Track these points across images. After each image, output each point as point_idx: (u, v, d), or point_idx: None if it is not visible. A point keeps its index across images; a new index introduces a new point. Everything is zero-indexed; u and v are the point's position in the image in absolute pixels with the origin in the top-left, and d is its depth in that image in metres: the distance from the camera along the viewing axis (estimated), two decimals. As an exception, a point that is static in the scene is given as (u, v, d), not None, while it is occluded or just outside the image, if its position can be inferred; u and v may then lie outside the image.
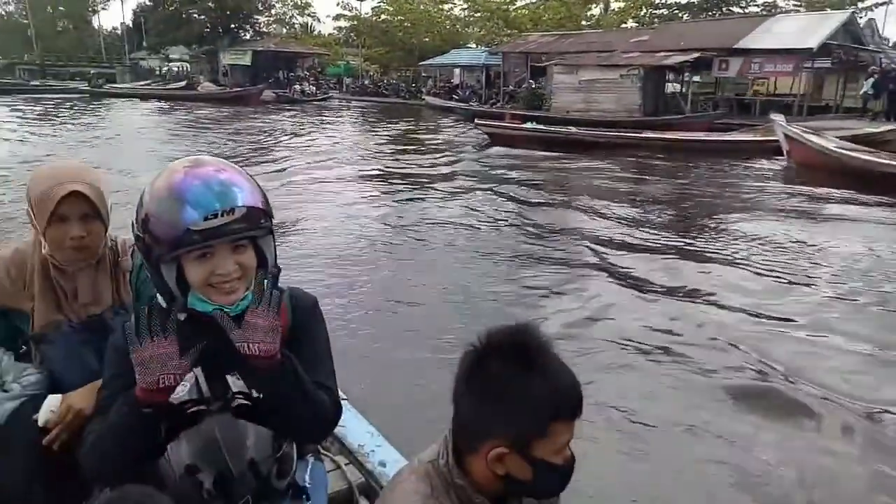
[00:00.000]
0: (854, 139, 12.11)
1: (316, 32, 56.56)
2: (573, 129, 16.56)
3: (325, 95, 37.99)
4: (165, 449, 1.26)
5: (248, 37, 51.76)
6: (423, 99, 33.65)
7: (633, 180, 11.83)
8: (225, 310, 1.19)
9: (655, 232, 8.06)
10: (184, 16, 51.05)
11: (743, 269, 6.57)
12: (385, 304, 5.51)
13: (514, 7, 37.30)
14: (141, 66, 53.21)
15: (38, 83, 43.10)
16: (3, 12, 65.09)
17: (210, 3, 50.45)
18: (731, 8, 32.64)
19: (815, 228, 8.10)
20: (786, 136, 11.75)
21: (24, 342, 1.72)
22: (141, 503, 0.79)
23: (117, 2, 63.70)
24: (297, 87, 39.75)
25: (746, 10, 31.66)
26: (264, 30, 54.93)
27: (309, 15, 58.49)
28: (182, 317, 1.22)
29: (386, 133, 21.48)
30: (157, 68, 51.73)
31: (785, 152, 11.95)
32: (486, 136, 16.82)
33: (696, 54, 21.25)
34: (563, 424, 1.04)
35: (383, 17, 43.51)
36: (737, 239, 7.68)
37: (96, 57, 56.64)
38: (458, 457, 1.10)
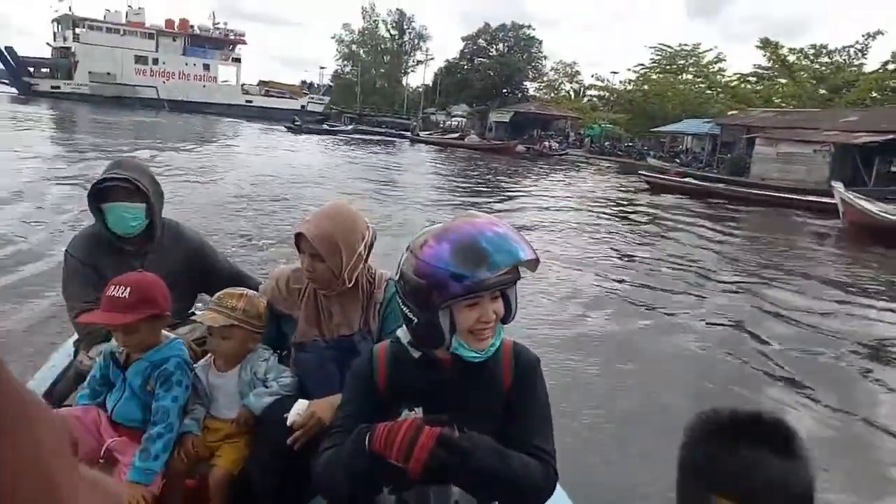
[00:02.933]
0: None
1: (586, 99, 62.96)
2: (719, 186, 20.55)
3: (564, 152, 44.57)
4: (383, 490, 1.33)
5: (517, 99, 61.38)
6: (648, 161, 38.25)
7: (747, 224, 15.85)
8: (476, 356, 1.33)
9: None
10: (468, 80, 62.67)
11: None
12: (587, 365, 5.11)
13: (743, 84, 40.16)
14: (431, 119, 66.09)
15: (358, 127, 56.41)
16: (342, 72, 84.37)
17: (490, 72, 61.39)
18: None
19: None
20: (842, 200, 14.51)
21: (286, 348, 2.03)
22: None
23: (422, 65, 78.14)
24: (546, 143, 47.14)
25: None
26: (531, 93, 64.27)
27: (577, 82, 66.57)
28: (416, 355, 1.39)
29: (601, 183, 26.80)
30: (442, 122, 63.83)
31: (841, 213, 14.71)
32: (646, 185, 21.67)
33: (890, 136, 23.11)
34: None
35: (630, 87, 49.10)
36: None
37: (399, 110, 71.65)
38: None
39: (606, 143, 49.08)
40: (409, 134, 51.61)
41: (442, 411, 1.26)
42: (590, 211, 16.21)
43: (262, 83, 69.36)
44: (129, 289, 1.75)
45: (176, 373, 1.82)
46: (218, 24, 66.10)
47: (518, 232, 1.31)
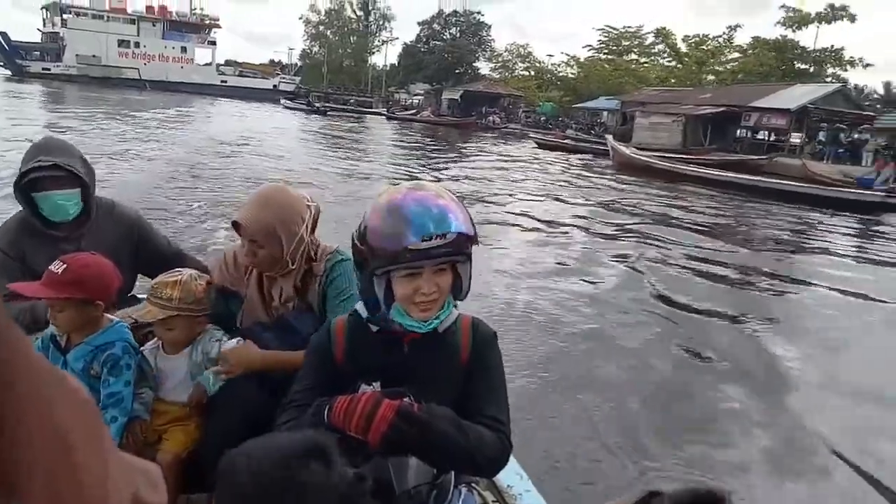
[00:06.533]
0: (734, 162, 22.33)
1: (563, 75, 67.20)
2: (580, 144, 28.23)
3: (505, 126, 51.87)
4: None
5: (469, 78, 67.95)
6: (567, 132, 45.81)
7: (591, 167, 23.42)
8: (417, 326, 1.35)
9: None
10: (424, 62, 69.05)
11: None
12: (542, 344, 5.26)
13: (644, 66, 48.11)
14: (394, 97, 72.38)
15: (326, 105, 62.79)
16: (309, 51, 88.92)
17: (445, 54, 67.79)
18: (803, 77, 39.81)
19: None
20: (612, 147, 22.86)
21: (235, 330, 1.99)
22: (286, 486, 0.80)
23: (386, 45, 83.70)
24: (491, 118, 54.39)
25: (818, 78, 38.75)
26: (486, 73, 70.77)
27: (529, 62, 72.94)
28: (375, 329, 1.40)
29: (519, 148, 34.18)
30: (404, 100, 70.13)
31: (611, 156, 23.04)
32: (535, 144, 29.23)
33: (722, 108, 30.89)
34: None
35: (560, 68, 56.61)
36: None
37: (364, 89, 77.53)
38: None
39: (542, 118, 56.44)
40: (385, 111, 58.65)
41: (401, 385, 1.29)
42: (501, 159, 24.11)
43: (229, 63, 75.00)
44: (65, 267, 1.69)
45: (124, 357, 1.77)
46: (195, 9, 71.54)
47: (461, 206, 1.33)
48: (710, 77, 44.93)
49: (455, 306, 1.43)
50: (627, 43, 56.11)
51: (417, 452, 1.27)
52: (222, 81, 69.62)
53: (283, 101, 57.75)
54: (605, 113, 50.22)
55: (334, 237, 2.07)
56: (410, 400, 1.25)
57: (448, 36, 69.16)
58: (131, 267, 2.26)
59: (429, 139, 33.70)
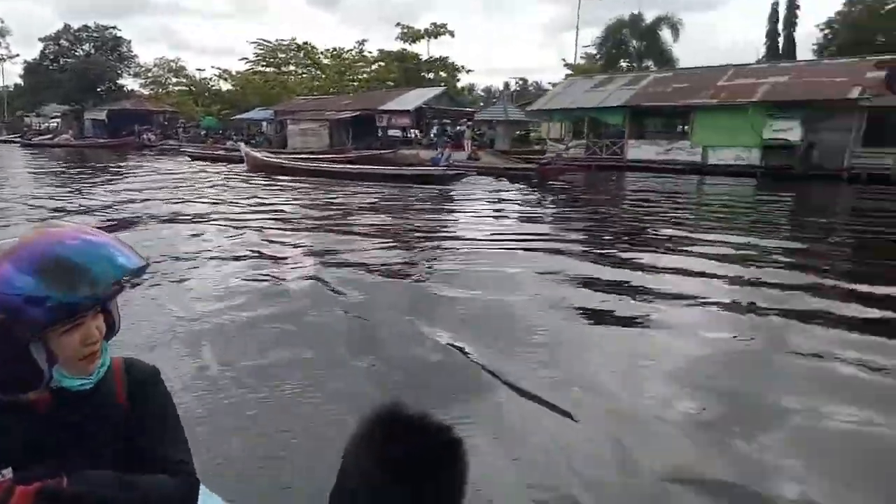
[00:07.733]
0: (368, 157, 26.11)
1: (217, 89, 64.43)
2: (233, 155, 30.13)
3: (161, 143, 50.04)
4: None
5: (116, 96, 62.78)
6: (227, 144, 46.55)
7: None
8: (86, 383, 1.17)
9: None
10: (56, 81, 61.51)
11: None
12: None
13: (297, 77, 51.91)
14: (23, 121, 63.10)
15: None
16: None
17: (82, 72, 61.41)
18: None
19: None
20: (245, 152, 25.71)
21: None
22: None
23: (5, 63, 71.97)
24: (145, 136, 51.67)
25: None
26: (138, 89, 65.92)
27: (183, 76, 69.92)
28: None
29: (171, 162, 33.86)
30: (37, 124, 61.67)
31: (245, 160, 25.57)
32: (189, 157, 30.08)
33: (359, 112, 35.46)
34: None
35: (214, 83, 56.78)
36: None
37: (-19, 113, 65.77)
38: None
39: (203, 132, 55.81)
40: (19, 138, 50.95)
41: (43, 461, 1.12)
42: (158, 175, 24.04)
43: None
44: None
45: None
46: None
47: (116, 238, 1.17)
48: (354, 84, 50.39)
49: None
50: (284, 55, 58.70)
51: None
52: None
53: None
54: (264, 123, 52.17)
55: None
56: (58, 475, 1.06)
57: (81, 52, 62.87)
58: None
59: (76, 164, 31.39)
